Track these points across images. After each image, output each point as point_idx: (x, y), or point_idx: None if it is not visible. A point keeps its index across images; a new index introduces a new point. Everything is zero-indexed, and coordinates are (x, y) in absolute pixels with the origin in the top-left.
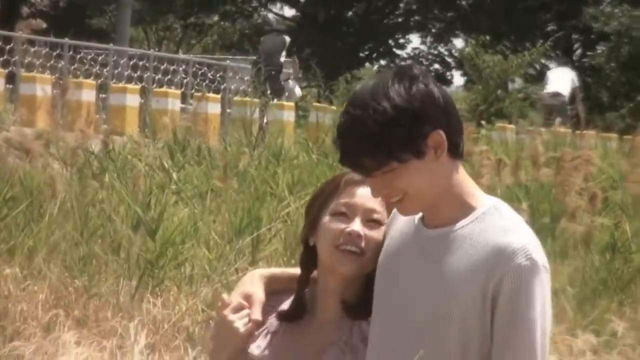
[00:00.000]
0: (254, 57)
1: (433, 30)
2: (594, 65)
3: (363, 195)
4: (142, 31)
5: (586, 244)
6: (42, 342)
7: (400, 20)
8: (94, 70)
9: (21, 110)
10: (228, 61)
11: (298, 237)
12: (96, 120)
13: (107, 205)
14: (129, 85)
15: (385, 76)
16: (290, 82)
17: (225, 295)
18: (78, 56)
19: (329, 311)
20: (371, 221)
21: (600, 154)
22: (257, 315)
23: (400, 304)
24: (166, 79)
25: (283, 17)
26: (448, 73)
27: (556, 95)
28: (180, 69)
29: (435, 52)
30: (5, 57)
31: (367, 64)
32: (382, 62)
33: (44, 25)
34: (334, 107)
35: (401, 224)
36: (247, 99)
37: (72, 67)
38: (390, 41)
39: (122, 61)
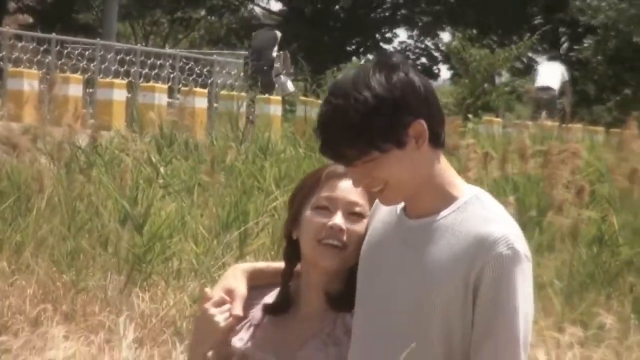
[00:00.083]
0: (242, 52)
1: (420, 24)
2: (580, 58)
3: (345, 188)
4: (129, 26)
5: (573, 237)
6: (30, 337)
7: (387, 14)
8: (81, 65)
9: (8, 105)
10: (215, 56)
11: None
12: (83, 115)
13: (94, 200)
14: (116, 80)
15: (366, 66)
16: (282, 77)
17: (208, 289)
18: (65, 51)
19: (313, 304)
20: (353, 214)
21: (587, 146)
22: (238, 310)
23: (383, 294)
24: (153, 73)
25: (270, 11)
26: (435, 67)
27: (546, 89)
28: (167, 63)
29: (422, 45)
30: None
31: (354, 58)
32: (369, 56)
33: (31, 20)
34: (320, 101)
35: (383, 214)
36: (234, 93)
37: (60, 62)
38: (377, 35)
39: (109, 56)
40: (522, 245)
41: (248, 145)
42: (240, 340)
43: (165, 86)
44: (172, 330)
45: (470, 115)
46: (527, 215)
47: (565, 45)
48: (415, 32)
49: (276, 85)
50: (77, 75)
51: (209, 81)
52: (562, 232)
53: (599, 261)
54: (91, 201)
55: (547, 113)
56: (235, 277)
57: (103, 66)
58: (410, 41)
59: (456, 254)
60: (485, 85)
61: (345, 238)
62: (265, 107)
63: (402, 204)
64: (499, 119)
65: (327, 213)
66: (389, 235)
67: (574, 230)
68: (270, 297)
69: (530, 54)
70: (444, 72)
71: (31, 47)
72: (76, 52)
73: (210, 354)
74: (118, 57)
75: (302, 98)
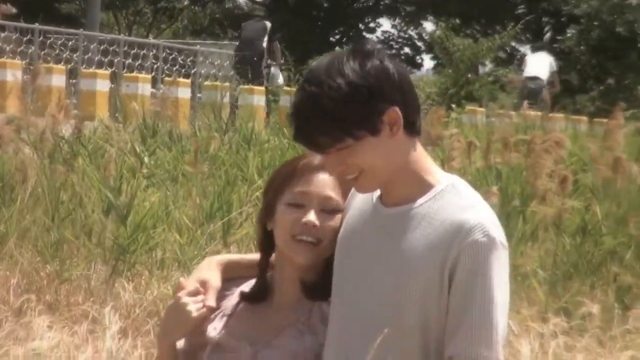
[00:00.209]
0: (225, 42)
1: (403, 14)
2: (563, 48)
3: (319, 183)
4: (112, 16)
5: (557, 226)
6: (14, 327)
7: (370, 3)
8: (64, 55)
9: None
10: (198, 46)
11: None
12: (67, 105)
13: (78, 190)
14: (99, 71)
15: (340, 53)
16: (272, 68)
17: (182, 279)
18: (48, 41)
19: (288, 293)
20: (327, 209)
21: (571, 136)
22: (211, 301)
23: (359, 283)
24: (137, 63)
25: (253, 1)
26: (418, 56)
27: (534, 79)
28: (151, 53)
29: (406, 35)
30: None
31: (337, 48)
32: None
33: (14, 11)
34: None
35: (359, 202)
36: (218, 83)
37: (43, 53)
38: (360, 25)
39: (92, 46)
40: (498, 232)
41: (232, 135)
42: (214, 329)
43: (149, 76)
44: (155, 321)
45: (453, 105)
46: (510, 205)
47: (549, 34)
48: (398, 22)
49: (266, 77)
50: (60, 66)
51: (192, 71)
52: (546, 222)
53: (583, 251)
54: (75, 191)
55: (533, 103)
56: (210, 269)
57: (86, 56)
58: (393, 31)
59: (433, 242)
60: (469, 75)
61: (319, 234)
62: (248, 97)
63: (378, 192)
64: (482, 109)
65: (301, 209)
66: (365, 224)
67: (558, 219)
68: (245, 287)
69: (513, 44)
70: (427, 61)
71: (14, 37)
72: (59, 42)
73: (182, 344)
74: (101, 48)
75: (286, 88)
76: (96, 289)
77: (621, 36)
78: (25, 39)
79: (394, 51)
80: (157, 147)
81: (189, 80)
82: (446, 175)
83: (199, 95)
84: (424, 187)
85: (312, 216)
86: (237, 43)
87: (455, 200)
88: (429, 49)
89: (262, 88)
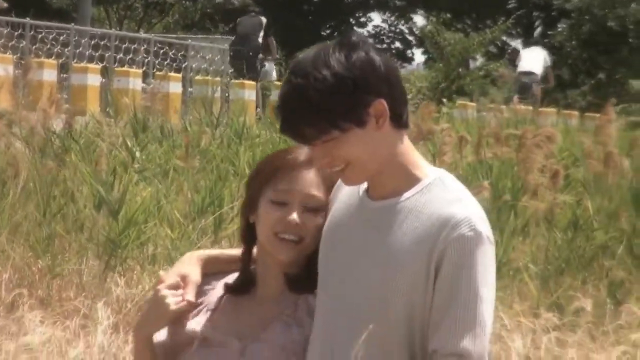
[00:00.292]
0: (216, 36)
1: (394, 8)
2: (554, 42)
3: (303, 181)
4: (104, 10)
5: (548, 221)
6: (6, 322)
7: None
8: (56, 50)
9: None
10: (189, 40)
11: None
12: (58, 100)
13: (70, 185)
14: (91, 65)
15: (326, 45)
16: (267, 63)
17: (162, 272)
18: (39, 36)
19: (271, 286)
20: (310, 208)
21: (562, 131)
22: (190, 296)
23: (345, 276)
24: (128, 58)
25: None
26: (409, 51)
27: (528, 73)
28: (142, 48)
29: (397, 30)
30: None
31: (328, 42)
32: None
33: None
34: None
35: (345, 195)
36: (209, 77)
37: (34, 47)
38: (351, 19)
39: (83, 41)
40: (484, 227)
41: (223, 129)
42: (197, 323)
43: (140, 71)
44: None
45: (444, 100)
46: (501, 200)
47: (540, 29)
48: (389, 16)
49: (260, 72)
50: (52, 60)
51: (183, 66)
52: (537, 217)
53: (574, 245)
54: (66, 186)
55: (524, 97)
56: (190, 263)
57: (77, 51)
58: (384, 25)
59: (419, 236)
60: (460, 69)
61: (301, 232)
62: (239, 92)
63: (364, 185)
64: (473, 104)
65: (284, 206)
66: (352, 217)
67: (549, 214)
68: (230, 279)
69: (504, 38)
70: (418, 56)
71: (5, 31)
72: (50, 36)
73: (162, 337)
74: (92, 42)
75: (277, 83)
76: (88, 283)
77: (612, 30)
78: (16, 33)
79: (385, 45)
80: (149, 142)
81: (180, 75)
82: (433, 169)
83: (190, 89)
84: (411, 180)
85: (295, 215)
86: (231, 38)
87: (443, 194)
88: (420, 43)
89: (253, 83)
